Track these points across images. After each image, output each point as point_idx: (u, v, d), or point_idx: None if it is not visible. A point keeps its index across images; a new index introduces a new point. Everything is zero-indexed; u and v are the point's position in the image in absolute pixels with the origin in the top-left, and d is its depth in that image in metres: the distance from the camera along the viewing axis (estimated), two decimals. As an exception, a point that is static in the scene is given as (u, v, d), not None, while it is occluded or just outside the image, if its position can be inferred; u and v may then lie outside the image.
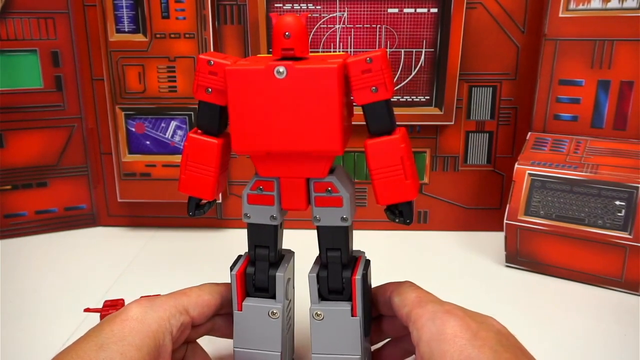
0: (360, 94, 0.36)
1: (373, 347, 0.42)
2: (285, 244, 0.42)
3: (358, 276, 0.38)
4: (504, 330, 0.34)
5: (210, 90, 0.37)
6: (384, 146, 0.36)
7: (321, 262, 0.39)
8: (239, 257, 0.41)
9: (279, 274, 0.39)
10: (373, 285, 0.41)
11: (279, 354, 0.39)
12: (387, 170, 0.36)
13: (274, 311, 0.39)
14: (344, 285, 0.38)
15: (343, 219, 0.37)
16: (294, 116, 0.35)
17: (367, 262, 0.40)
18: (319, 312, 0.38)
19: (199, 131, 0.38)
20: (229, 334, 0.42)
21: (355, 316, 0.38)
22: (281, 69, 0.34)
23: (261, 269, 0.39)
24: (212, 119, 0.37)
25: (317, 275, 0.38)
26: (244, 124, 0.35)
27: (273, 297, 0.39)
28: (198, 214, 0.40)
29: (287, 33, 0.34)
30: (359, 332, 0.38)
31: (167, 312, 0.36)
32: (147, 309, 0.36)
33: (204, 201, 0.40)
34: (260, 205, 0.38)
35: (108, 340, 0.33)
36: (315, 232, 0.38)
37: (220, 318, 0.41)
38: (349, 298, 0.38)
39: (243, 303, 0.39)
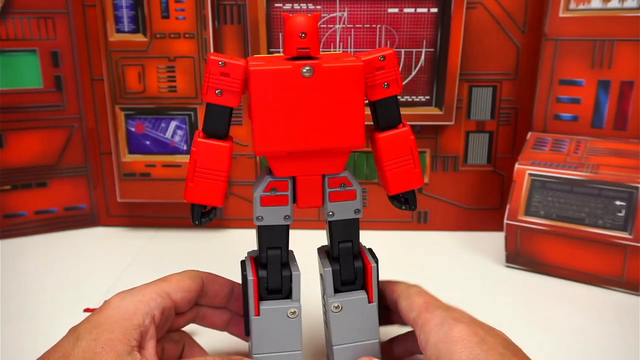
0: (374, 90, 0.37)
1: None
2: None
3: (374, 264, 0.39)
4: (508, 340, 0.35)
5: (220, 92, 0.36)
6: (397, 138, 0.38)
7: (332, 256, 0.40)
8: (243, 262, 0.40)
9: (296, 273, 0.39)
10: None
11: (301, 352, 0.39)
12: (399, 161, 0.38)
13: (293, 310, 0.38)
14: (356, 275, 0.40)
15: (356, 211, 0.39)
16: (319, 114, 0.35)
17: (370, 249, 0.41)
18: (337, 305, 0.39)
19: (203, 135, 0.37)
20: (213, 323, 0.42)
21: (372, 302, 0.39)
22: (308, 67, 0.34)
23: (274, 271, 0.39)
24: (222, 121, 0.37)
25: (332, 269, 0.39)
26: (268, 125, 0.35)
27: (286, 297, 0.39)
28: (204, 222, 0.38)
29: (303, 33, 0.35)
30: (376, 317, 0.40)
31: (146, 296, 0.36)
32: (125, 295, 0.36)
33: (207, 208, 0.39)
34: (274, 207, 0.38)
35: (84, 331, 0.33)
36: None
37: (209, 308, 0.41)
38: (362, 286, 0.40)
39: (260, 307, 0.38)
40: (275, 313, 0.38)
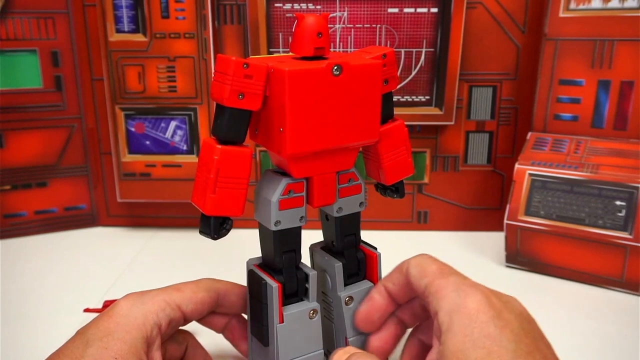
0: None
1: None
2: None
3: (379, 251, 0.41)
4: (525, 314, 0.33)
5: (243, 95, 0.34)
6: (395, 130, 0.40)
7: (335, 251, 0.40)
8: (252, 272, 0.39)
9: (312, 273, 0.38)
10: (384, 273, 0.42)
11: (322, 351, 0.39)
12: (396, 152, 0.40)
13: (314, 310, 0.38)
14: (360, 266, 0.41)
15: (361, 204, 0.40)
16: (344, 111, 0.36)
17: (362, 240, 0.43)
18: (349, 297, 0.40)
19: (216, 141, 0.35)
20: (210, 323, 0.41)
21: None
22: (337, 66, 0.35)
23: (290, 275, 0.38)
24: (242, 126, 0.35)
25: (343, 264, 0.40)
26: (301, 125, 0.34)
27: (300, 299, 0.39)
28: (223, 234, 0.36)
29: (320, 33, 0.35)
30: None
31: (155, 306, 0.36)
32: (135, 302, 0.36)
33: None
34: (291, 209, 0.37)
35: (94, 336, 0.33)
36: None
37: (215, 314, 0.41)
38: (364, 276, 0.41)
39: (284, 314, 0.37)
40: (299, 316, 0.38)
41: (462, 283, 0.33)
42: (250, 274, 0.38)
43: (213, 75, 0.35)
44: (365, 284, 0.41)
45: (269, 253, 0.38)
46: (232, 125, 0.35)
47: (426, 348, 0.38)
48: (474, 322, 0.31)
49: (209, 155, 0.34)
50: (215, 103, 0.35)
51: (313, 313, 0.38)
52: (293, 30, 0.36)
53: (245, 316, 0.41)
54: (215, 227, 0.35)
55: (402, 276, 0.37)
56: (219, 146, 0.34)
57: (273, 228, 0.36)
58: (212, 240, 0.36)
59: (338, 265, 0.39)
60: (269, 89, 0.34)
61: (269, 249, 0.38)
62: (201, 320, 0.41)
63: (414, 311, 0.39)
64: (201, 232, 0.36)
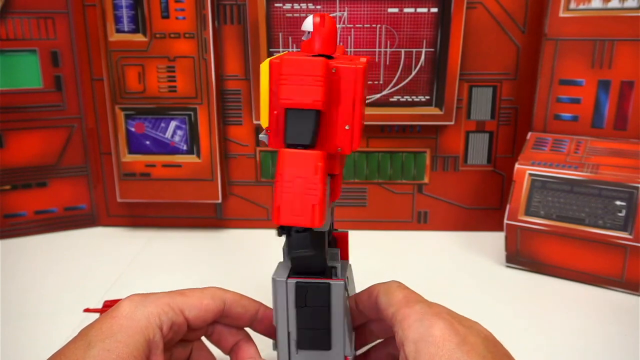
0: None
1: (359, 352, 0.42)
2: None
3: (346, 231, 0.43)
4: (490, 337, 0.34)
5: None
6: None
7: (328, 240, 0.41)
8: (300, 284, 0.36)
9: (338, 264, 0.38)
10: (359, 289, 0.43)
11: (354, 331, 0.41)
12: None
13: (346, 295, 0.39)
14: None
15: (334, 194, 0.41)
16: (363, 103, 0.36)
17: None
18: (347, 277, 0.41)
19: (301, 150, 0.32)
20: (218, 341, 0.40)
21: (350, 263, 0.44)
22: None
23: (328, 270, 0.38)
24: (319, 128, 0.33)
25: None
26: (361, 120, 0.34)
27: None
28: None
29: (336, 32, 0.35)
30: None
31: (158, 309, 0.35)
32: (138, 305, 0.35)
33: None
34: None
35: (96, 338, 0.33)
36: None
37: (222, 327, 0.40)
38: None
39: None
40: (347, 305, 0.38)
41: (427, 312, 0.33)
42: (299, 287, 0.36)
43: (285, 78, 0.32)
44: (345, 262, 0.42)
45: (314, 256, 0.36)
46: (317, 129, 0.32)
47: (392, 358, 0.39)
48: (441, 351, 0.31)
49: (306, 166, 0.31)
50: (287, 109, 0.32)
51: (346, 298, 0.39)
52: (310, 29, 0.35)
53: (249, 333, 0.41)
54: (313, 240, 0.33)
55: (372, 301, 0.37)
56: (317, 153, 0.31)
57: (323, 229, 0.35)
58: (212, 240, 0.36)
59: (337, 252, 0.40)
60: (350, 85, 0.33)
61: (313, 252, 0.35)
62: (209, 337, 0.40)
63: (385, 326, 0.39)
64: (298, 252, 0.33)
